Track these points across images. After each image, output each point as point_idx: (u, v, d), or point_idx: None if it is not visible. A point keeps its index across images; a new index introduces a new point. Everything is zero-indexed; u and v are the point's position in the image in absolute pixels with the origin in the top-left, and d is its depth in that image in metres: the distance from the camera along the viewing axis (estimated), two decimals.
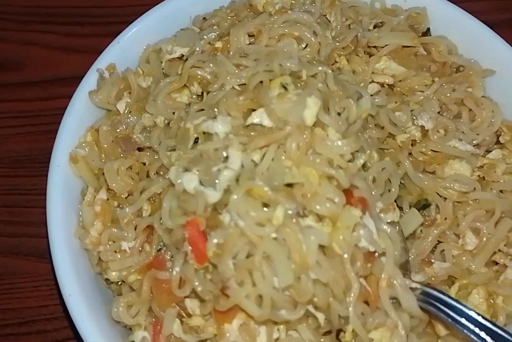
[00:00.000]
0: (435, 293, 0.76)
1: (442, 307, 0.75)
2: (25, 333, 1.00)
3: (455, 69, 0.96)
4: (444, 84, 0.92)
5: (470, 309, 0.74)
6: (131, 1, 1.28)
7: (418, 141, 0.88)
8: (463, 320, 0.73)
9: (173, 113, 0.86)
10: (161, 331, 0.76)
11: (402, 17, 0.99)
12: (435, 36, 0.98)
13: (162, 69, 0.93)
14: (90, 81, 0.91)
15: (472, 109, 0.91)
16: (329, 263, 0.71)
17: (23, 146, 1.15)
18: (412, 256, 0.83)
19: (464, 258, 0.82)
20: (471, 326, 0.73)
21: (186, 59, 0.91)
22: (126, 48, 0.94)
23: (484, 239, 0.83)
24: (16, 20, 1.26)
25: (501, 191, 0.88)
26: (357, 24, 0.96)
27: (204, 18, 0.99)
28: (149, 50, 0.95)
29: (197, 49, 0.89)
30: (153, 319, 0.78)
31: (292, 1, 0.97)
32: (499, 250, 0.84)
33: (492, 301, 0.81)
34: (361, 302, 0.74)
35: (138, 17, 0.97)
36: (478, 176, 0.88)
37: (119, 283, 0.84)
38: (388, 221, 0.80)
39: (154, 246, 0.80)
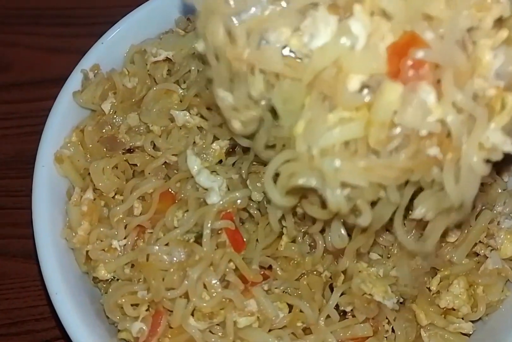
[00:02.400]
0: None
1: None
2: (14, 333, 1.01)
3: None
4: None
5: None
6: (116, 2, 1.28)
7: None
8: None
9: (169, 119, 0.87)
10: (160, 323, 0.77)
11: None
12: None
13: (148, 70, 0.94)
14: (74, 82, 0.92)
15: None
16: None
17: (10, 148, 1.16)
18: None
19: (446, 249, 0.84)
20: None
21: (171, 61, 0.92)
22: (110, 48, 0.95)
23: (466, 230, 0.84)
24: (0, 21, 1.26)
25: (481, 184, 0.89)
26: None
27: (188, 19, 1.00)
28: (133, 50, 0.96)
29: (193, 68, 0.88)
30: (153, 312, 0.78)
31: None
32: (480, 242, 0.86)
33: (473, 291, 0.83)
34: None
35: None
36: None
37: (108, 280, 0.84)
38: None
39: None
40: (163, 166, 0.85)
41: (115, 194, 0.86)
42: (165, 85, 0.88)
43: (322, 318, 0.78)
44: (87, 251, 0.83)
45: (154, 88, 0.87)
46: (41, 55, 1.25)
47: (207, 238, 0.77)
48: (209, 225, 0.77)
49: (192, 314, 0.77)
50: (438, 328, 0.82)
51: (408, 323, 0.82)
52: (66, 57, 1.20)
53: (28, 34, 1.26)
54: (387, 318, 0.81)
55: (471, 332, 0.84)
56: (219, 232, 0.79)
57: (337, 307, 0.80)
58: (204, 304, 0.76)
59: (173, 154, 0.85)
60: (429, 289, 0.84)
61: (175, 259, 0.78)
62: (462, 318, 0.83)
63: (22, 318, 1.02)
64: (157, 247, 0.78)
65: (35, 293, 1.03)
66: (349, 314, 0.81)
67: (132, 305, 0.79)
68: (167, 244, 0.79)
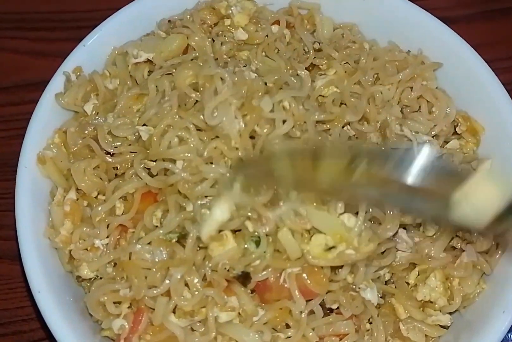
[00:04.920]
0: None
1: None
2: (1, 334, 1.02)
3: None
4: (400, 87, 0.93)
5: None
6: (100, 5, 1.29)
7: None
8: None
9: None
10: (141, 321, 0.77)
11: None
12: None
13: (129, 72, 0.95)
14: (56, 84, 0.93)
15: (430, 101, 0.93)
16: None
17: None
18: None
19: (424, 244, 0.85)
20: None
21: (151, 62, 0.93)
22: (92, 51, 0.96)
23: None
24: None
25: None
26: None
27: (169, 21, 1.01)
28: (115, 53, 0.97)
29: None
30: (135, 309, 0.79)
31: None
32: (457, 235, 0.87)
33: (449, 283, 0.84)
34: None
35: None
36: None
37: (91, 279, 0.85)
38: None
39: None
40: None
41: (98, 194, 0.87)
42: (135, 90, 0.88)
43: (305, 312, 0.78)
44: (70, 250, 0.84)
45: (129, 93, 0.87)
46: (26, 59, 1.26)
47: (191, 244, 0.77)
48: (194, 232, 0.77)
49: (174, 312, 0.78)
50: (417, 321, 0.83)
51: (386, 317, 0.83)
52: (50, 60, 1.21)
53: (13, 38, 1.27)
54: (370, 318, 0.82)
55: (448, 324, 0.85)
56: None
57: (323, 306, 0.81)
58: (185, 303, 0.76)
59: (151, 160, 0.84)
60: (407, 283, 0.86)
61: (157, 258, 0.79)
62: (440, 311, 0.85)
63: (9, 319, 1.03)
64: (139, 246, 0.79)
65: (22, 294, 1.04)
66: (335, 312, 0.81)
67: (114, 303, 0.80)
68: (149, 243, 0.80)
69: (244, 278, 0.78)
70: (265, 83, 0.84)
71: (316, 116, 0.84)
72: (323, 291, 0.78)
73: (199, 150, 0.80)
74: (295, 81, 0.86)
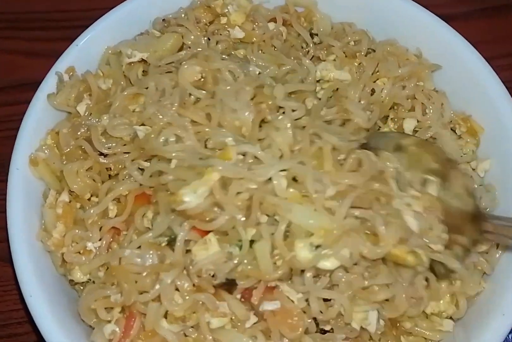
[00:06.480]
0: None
1: None
2: None
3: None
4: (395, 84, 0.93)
5: None
6: (95, 5, 1.27)
7: None
8: None
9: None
10: (133, 326, 0.76)
11: None
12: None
13: (123, 71, 0.94)
14: (49, 84, 0.92)
15: (423, 102, 0.92)
16: None
17: None
18: None
19: None
20: None
21: (146, 62, 0.92)
22: (85, 51, 0.95)
23: None
24: None
25: None
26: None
27: (163, 20, 1.00)
28: (108, 52, 0.96)
29: None
30: (127, 314, 0.77)
31: None
32: None
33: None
34: None
35: None
36: None
37: (84, 283, 0.84)
38: None
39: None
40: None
41: (91, 196, 0.86)
42: (132, 89, 0.87)
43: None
44: (62, 254, 0.83)
45: (125, 93, 0.86)
46: (21, 59, 1.24)
47: (180, 247, 0.75)
48: (182, 235, 0.75)
49: (166, 317, 0.76)
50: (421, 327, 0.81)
51: (387, 336, 0.80)
52: (45, 60, 1.17)
53: (7, 38, 1.26)
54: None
55: (451, 330, 0.83)
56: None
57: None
58: (176, 308, 0.75)
59: (145, 160, 0.83)
60: None
61: (147, 262, 0.77)
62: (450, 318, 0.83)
63: (4, 321, 1.02)
64: (129, 251, 0.77)
65: (16, 296, 1.02)
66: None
67: (106, 308, 0.78)
68: (139, 247, 0.78)
69: (228, 285, 0.76)
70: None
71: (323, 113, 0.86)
72: (294, 336, 0.75)
73: (196, 148, 0.78)
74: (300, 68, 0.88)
